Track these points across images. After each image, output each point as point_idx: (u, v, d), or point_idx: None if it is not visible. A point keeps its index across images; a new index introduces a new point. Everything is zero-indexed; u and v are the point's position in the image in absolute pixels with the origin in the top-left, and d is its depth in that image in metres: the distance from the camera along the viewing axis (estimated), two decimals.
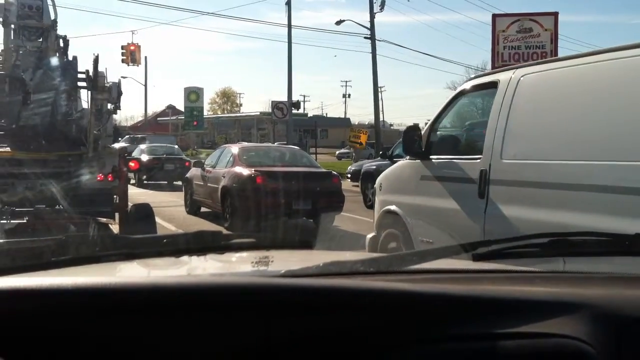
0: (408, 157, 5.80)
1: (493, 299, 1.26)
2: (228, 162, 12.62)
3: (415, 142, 5.49)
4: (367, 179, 16.08)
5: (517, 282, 1.44)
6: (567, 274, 1.62)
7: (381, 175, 6.50)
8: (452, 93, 5.67)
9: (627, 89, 3.84)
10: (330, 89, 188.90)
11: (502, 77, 4.82)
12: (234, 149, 13.30)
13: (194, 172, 14.51)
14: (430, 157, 5.44)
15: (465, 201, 4.88)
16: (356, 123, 67.97)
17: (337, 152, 44.69)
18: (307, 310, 1.14)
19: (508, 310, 1.22)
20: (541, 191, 4.24)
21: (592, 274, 1.63)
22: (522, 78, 4.60)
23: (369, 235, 6.34)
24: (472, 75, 5.33)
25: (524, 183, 4.38)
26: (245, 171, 11.69)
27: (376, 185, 6.48)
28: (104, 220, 8.27)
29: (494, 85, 4.87)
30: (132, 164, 16.47)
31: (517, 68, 4.81)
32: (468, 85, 5.45)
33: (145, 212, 8.60)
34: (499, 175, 4.57)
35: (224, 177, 12.14)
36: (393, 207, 5.84)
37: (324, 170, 13.39)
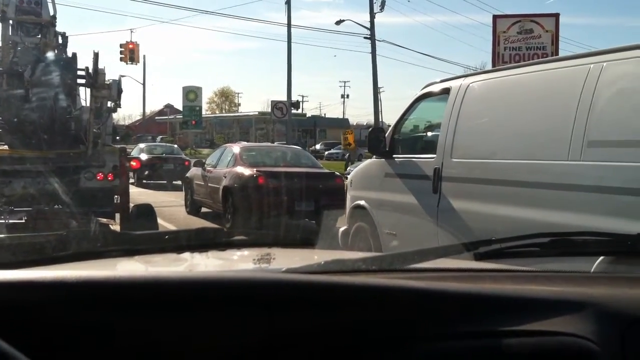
0: (375, 156, 6.29)
1: (496, 296, 1.26)
2: (229, 162, 12.49)
3: (380, 142, 5.98)
4: None
5: (520, 281, 1.44)
6: (570, 273, 1.59)
7: (352, 173, 7.01)
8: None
9: (557, 95, 4.33)
10: (329, 89, 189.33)
11: (454, 84, 5.31)
12: (235, 148, 13.18)
13: (194, 171, 14.43)
14: (393, 156, 5.93)
15: (422, 196, 5.36)
16: (354, 124, 68.07)
17: (326, 153, 43.35)
18: (310, 306, 1.14)
19: (512, 309, 1.22)
20: (486, 187, 4.71)
21: (595, 273, 1.65)
22: (470, 85, 5.08)
23: (342, 228, 6.84)
24: (429, 82, 5.82)
25: (471, 180, 4.86)
26: (247, 171, 11.62)
27: (347, 181, 6.98)
28: (104, 220, 8.08)
29: (447, 91, 5.35)
30: (133, 163, 16.68)
31: (467, 76, 5.31)
32: (426, 91, 5.93)
33: (147, 213, 8.45)
34: (449, 172, 5.05)
35: (225, 177, 12.02)
36: (362, 202, 6.34)
37: (326, 170, 13.27)
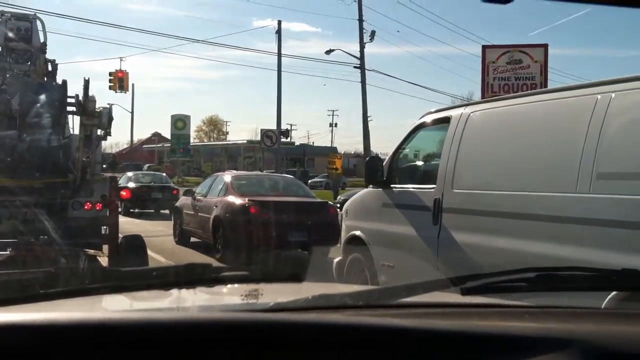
0: (371, 186, 6.14)
1: (482, 334, 1.26)
2: (220, 191, 12.16)
3: (377, 172, 5.84)
4: None
5: (506, 318, 1.45)
6: (556, 309, 1.59)
7: (347, 202, 6.85)
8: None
9: (563, 126, 4.22)
10: (317, 118, 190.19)
11: (454, 113, 5.20)
12: (227, 177, 12.86)
13: (183, 200, 14.15)
14: (391, 185, 5.78)
15: (421, 227, 5.21)
16: (342, 152, 68.04)
17: (309, 182, 42.49)
18: (296, 346, 1.14)
19: (497, 346, 1.22)
20: (489, 219, 4.57)
21: (581, 309, 1.63)
22: (471, 114, 4.97)
23: (336, 260, 6.66)
24: (427, 112, 5.71)
25: (473, 211, 4.71)
26: (238, 200, 11.28)
27: (343, 211, 6.82)
28: (91, 252, 7.73)
29: (446, 120, 5.24)
30: (123, 193, 16.37)
31: (467, 105, 5.20)
32: (426, 120, 5.83)
33: (136, 245, 8.19)
34: (450, 203, 4.91)
35: (216, 206, 11.71)
36: (357, 233, 6.17)
37: (319, 200, 13.00)
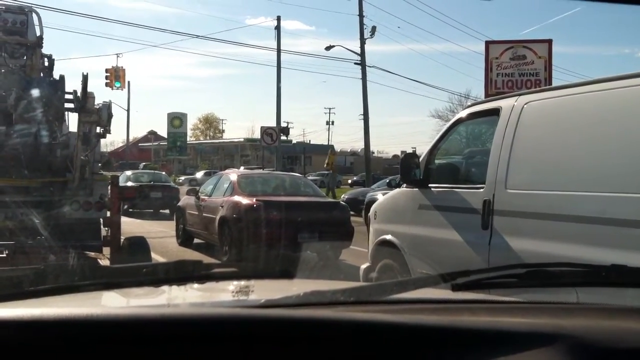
0: (405, 185, 5.59)
1: (472, 330, 1.26)
2: (226, 191, 11.69)
3: (413, 170, 5.29)
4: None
5: (495, 313, 1.46)
6: (546, 304, 1.60)
7: (376, 203, 6.30)
8: (443, 120, 5.53)
9: (637, 119, 3.67)
10: (313, 116, 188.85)
11: (504, 104, 4.65)
12: (233, 176, 12.41)
13: (186, 200, 13.78)
14: (429, 185, 5.23)
15: (468, 232, 4.67)
16: (339, 150, 67.46)
17: None
18: (286, 341, 1.14)
19: (487, 342, 1.21)
20: (549, 223, 4.03)
21: (570, 304, 1.62)
22: (525, 105, 4.43)
23: (363, 266, 6.13)
24: (470, 103, 5.16)
25: (532, 214, 4.17)
26: (246, 201, 10.81)
27: (370, 213, 6.27)
28: (92, 254, 7.54)
29: (495, 112, 4.70)
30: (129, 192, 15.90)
31: (519, 95, 4.64)
32: (467, 113, 5.29)
33: (140, 247, 7.78)
34: (503, 205, 4.37)
35: (222, 206, 11.24)
36: (389, 237, 5.62)
37: (331, 200, 12.76)
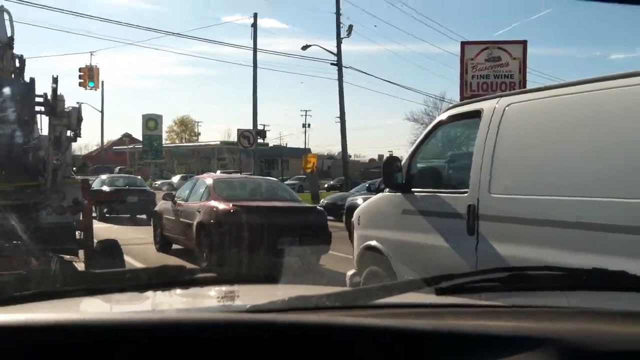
0: (387, 190, 5.53)
1: (457, 333, 1.25)
2: (202, 195, 11.66)
3: (395, 174, 5.22)
4: (352, 214, 15.49)
5: (480, 317, 1.45)
6: (530, 308, 1.60)
7: (359, 208, 6.22)
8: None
9: (623, 120, 3.64)
10: (289, 118, 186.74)
11: (486, 106, 4.59)
12: (208, 180, 12.33)
13: (163, 205, 13.60)
14: (412, 190, 5.17)
15: (454, 238, 4.59)
16: (315, 154, 67.12)
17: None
18: (273, 346, 1.14)
19: (472, 345, 1.21)
20: (535, 228, 3.97)
21: (555, 308, 1.62)
22: (507, 107, 4.38)
23: (349, 273, 6.05)
24: (449, 105, 5.10)
25: (519, 220, 4.10)
26: (222, 206, 10.74)
27: (354, 219, 6.20)
28: (67, 257, 7.74)
29: (476, 114, 4.64)
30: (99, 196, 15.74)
31: (500, 97, 4.60)
32: (447, 115, 5.21)
33: (111, 249, 8.11)
34: (488, 210, 4.30)
35: (198, 212, 11.17)
36: (374, 243, 5.54)
37: (308, 205, 12.69)
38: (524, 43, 25.60)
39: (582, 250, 3.57)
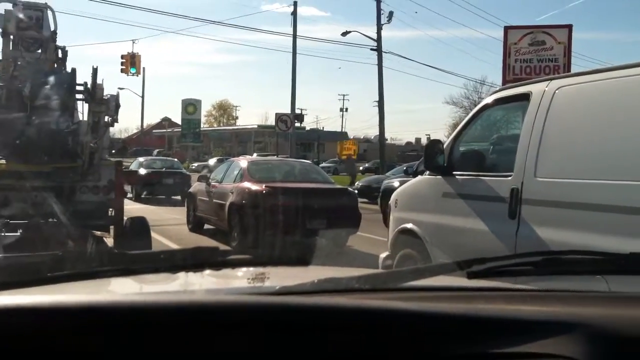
0: (428, 173, 5.38)
1: (488, 318, 1.25)
2: (236, 177, 11.78)
3: (437, 157, 5.09)
4: (387, 197, 15.38)
5: (512, 301, 1.43)
6: (562, 292, 1.58)
7: (397, 191, 6.11)
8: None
9: None
10: (326, 102, 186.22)
11: (535, 89, 4.44)
12: (243, 162, 12.53)
13: (197, 187, 13.81)
14: (454, 173, 5.03)
15: (494, 222, 4.48)
16: (352, 137, 66.89)
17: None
18: (301, 328, 1.14)
19: (503, 330, 1.20)
20: (581, 213, 3.83)
21: (587, 292, 1.59)
22: (557, 91, 4.21)
23: (382, 255, 5.97)
24: (497, 88, 4.92)
25: (563, 204, 3.97)
26: (255, 187, 10.88)
27: (391, 201, 6.08)
28: (98, 233, 8.41)
29: (524, 97, 4.49)
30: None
31: (550, 80, 4.43)
32: (494, 98, 5.06)
33: (140, 226, 8.61)
34: (532, 194, 4.17)
35: (231, 193, 11.32)
36: (410, 226, 5.44)
37: (339, 186, 12.67)
38: (569, 27, 25.02)
39: (629, 235, 3.43)
